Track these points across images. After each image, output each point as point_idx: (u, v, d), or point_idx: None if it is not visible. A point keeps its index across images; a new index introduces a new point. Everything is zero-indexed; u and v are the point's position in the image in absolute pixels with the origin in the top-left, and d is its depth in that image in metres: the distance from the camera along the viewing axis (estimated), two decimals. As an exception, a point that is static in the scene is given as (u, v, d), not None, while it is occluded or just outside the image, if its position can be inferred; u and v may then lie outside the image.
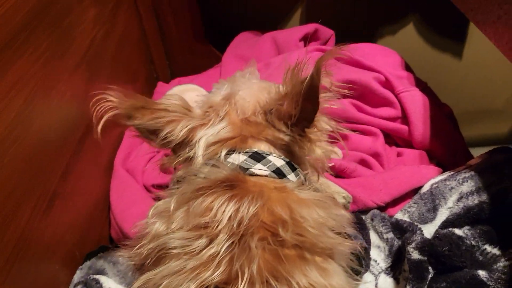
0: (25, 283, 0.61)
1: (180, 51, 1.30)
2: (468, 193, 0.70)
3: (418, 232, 0.67)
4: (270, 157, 0.52)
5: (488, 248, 0.63)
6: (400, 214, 0.74)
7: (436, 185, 0.74)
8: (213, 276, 0.41)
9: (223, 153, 0.52)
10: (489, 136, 1.66)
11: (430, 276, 0.63)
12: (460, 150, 0.91)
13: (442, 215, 0.71)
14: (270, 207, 0.46)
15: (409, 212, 0.74)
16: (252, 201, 0.45)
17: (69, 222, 0.73)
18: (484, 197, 0.68)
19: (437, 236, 0.64)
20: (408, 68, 1.06)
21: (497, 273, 0.58)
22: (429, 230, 0.70)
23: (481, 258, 0.62)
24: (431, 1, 1.30)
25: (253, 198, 0.45)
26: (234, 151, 0.52)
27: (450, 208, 0.71)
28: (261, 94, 0.56)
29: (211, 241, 0.43)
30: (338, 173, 0.82)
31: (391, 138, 0.93)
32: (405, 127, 0.89)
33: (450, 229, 0.65)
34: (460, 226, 0.67)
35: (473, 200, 0.68)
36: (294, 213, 0.46)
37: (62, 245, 0.70)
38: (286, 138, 0.53)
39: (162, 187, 0.86)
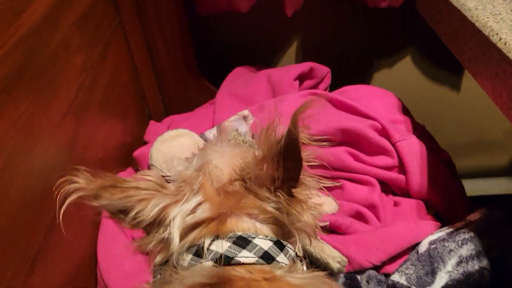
0: None
1: (173, 85, 1.27)
2: (468, 257, 0.67)
3: (416, 299, 0.65)
4: (256, 240, 0.48)
5: (489, 319, 0.60)
6: (397, 276, 0.71)
7: (435, 246, 0.71)
8: None
9: (207, 242, 0.48)
10: (488, 168, 1.64)
11: None
12: (458, 200, 0.89)
13: (441, 279, 0.68)
14: None
15: (407, 274, 0.71)
16: None
17: (54, 282, 0.70)
18: (484, 262, 0.65)
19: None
20: (405, 110, 1.04)
21: None
22: (427, 295, 0.68)
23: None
24: (428, 33, 1.28)
25: None
26: (217, 237, 0.49)
27: (449, 272, 0.68)
28: (236, 161, 0.52)
29: None
30: (333, 229, 0.79)
31: (387, 186, 0.90)
32: (402, 177, 0.87)
33: (450, 298, 0.62)
34: (460, 293, 0.64)
35: (473, 266, 0.66)
36: None
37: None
38: (271, 207, 0.49)
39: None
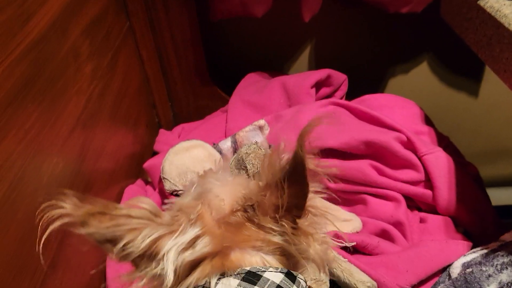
0: None
1: (183, 92, 1.23)
2: (509, 284, 0.62)
3: (454, 330, 0.60)
4: (266, 274, 0.43)
5: None
6: (430, 302, 0.67)
7: (471, 270, 0.66)
8: None
9: (213, 282, 0.43)
10: (506, 177, 1.59)
11: None
12: (488, 216, 0.84)
13: (479, 306, 0.63)
14: None
15: (441, 301, 0.66)
16: None
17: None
18: (527, 289, 0.60)
19: None
20: (428, 121, 0.99)
21: None
22: (463, 323, 0.63)
23: None
24: (445, 39, 1.24)
25: None
26: (223, 274, 0.44)
27: (488, 299, 0.63)
28: (237, 191, 0.47)
29: None
30: (359, 249, 0.74)
31: (412, 201, 0.85)
32: (429, 192, 0.82)
33: (491, 330, 0.58)
34: (501, 323, 0.59)
35: (515, 293, 0.61)
36: None
37: None
38: (277, 239, 0.44)
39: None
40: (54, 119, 0.66)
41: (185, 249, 0.45)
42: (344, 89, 1.12)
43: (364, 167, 0.82)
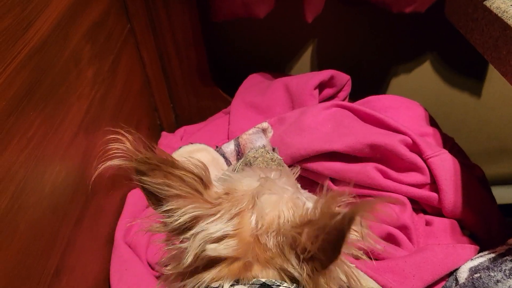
0: None
1: (185, 94, 1.22)
2: (517, 290, 0.61)
3: (462, 337, 0.59)
4: None
5: None
6: (438, 308, 0.66)
7: (478, 275, 0.66)
8: None
9: (226, 286, 0.43)
10: (510, 175, 1.59)
11: None
12: (494, 219, 0.83)
13: (487, 312, 0.63)
14: None
15: (448, 306, 0.65)
16: None
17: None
18: (536, 295, 0.60)
19: None
20: (433, 122, 0.98)
21: None
22: (472, 330, 0.62)
23: None
24: (448, 39, 1.24)
25: None
26: (238, 281, 0.44)
27: (497, 305, 0.62)
28: (286, 209, 0.47)
29: None
30: (365, 254, 0.73)
31: (417, 204, 0.84)
32: (434, 195, 0.81)
33: (501, 337, 0.57)
34: (510, 330, 0.59)
35: (524, 299, 0.60)
36: None
37: None
38: (295, 274, 0.44)
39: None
40: (56, 126, 0.65)
41: (211, 240, 0.45)
42: (347, 89, 1.11)
43: (369, 170, 0.81)
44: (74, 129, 0.71)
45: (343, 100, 1.10)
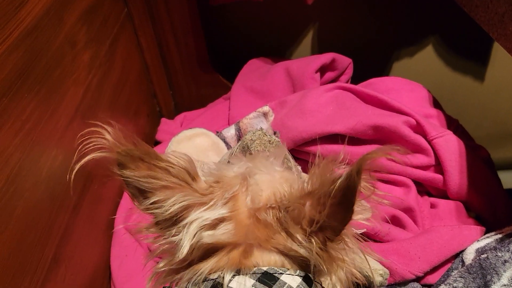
0: None
1: (184, 81, 1.21)
2: (525, 270, 0.60)
3: (469, 317, 0.58)
4: (283, 277, 0.41)
5: None
6: (444, 290, 0.65)
7: (486, 256, 0.64)
8: None
9: (227, 278, 0.41)
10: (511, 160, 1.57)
11: None
12: (499, 200, 0.82)
13: (495, 293, 0.61)
14: None
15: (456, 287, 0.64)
16: None
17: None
18: (545, 274, 0.58)
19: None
20: (436, 103, 0.96)
21: None
22: (479, 311, 0.61)
23: None
24: (451, 21, 1.21)
25: None
26: (239, 271, 0.41)
27: (505, 286, 0.61)
28: (280, 186, 0.44)
29: None
30: (369, 237, 0.72)
31: (422, 186, 0.83)
32: (439, 177, 0.79)
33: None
34: (519, 310, 0.57)
35: (533, 278, 0.59)
36: None
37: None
38: (301, 251, 0.41)
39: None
40: (52, 110, 0.64)
41: (207, 227, 0.43)
42: (349, 73, 1.09)
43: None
44: (71, 114, 0.69)
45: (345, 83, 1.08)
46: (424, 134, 0.80)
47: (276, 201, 0.43)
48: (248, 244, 0.42)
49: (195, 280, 0.42)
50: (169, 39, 1.11)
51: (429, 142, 0.80)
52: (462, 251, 0.71)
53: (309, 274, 0.42)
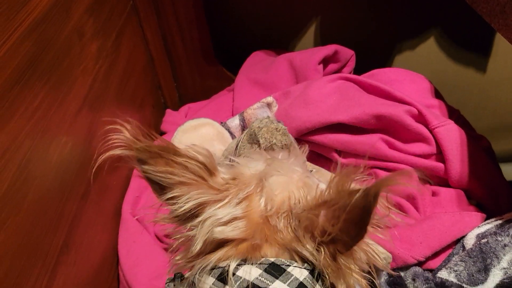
0: None
1: (189, 73, 1.22)
2: (525, 253, 0.61)
3: (470, 299, 0.59)
4: (290, 269, 0.41)
5: (553, 321, 0.55)
6: (446, 273, 0.66)
7: (486, 240, 0.66)
8: None
9: (233, 265, 0.42)
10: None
11: None
12: (500, 188, 0.83)
13: (495, 276, 0.63)
14: None
15: (456, 271, 0.65)
16: None
17: (77, 283, 0.66)
18: (544, 258, 0.60)
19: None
20: (438, 94, 0.97)
21: None
22: (480, 294, 0.62)
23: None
24: (453, 14, 1.22)
25: None
26: (245, 261, 0.42)
27: (505, 269, 0.62)
28: (296, 190, 0.45)
29: None
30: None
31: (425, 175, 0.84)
32: (440, 165, 0.81)
33: (509, 298, 0.57)
34: (517, 292, 0.59)
35: (532, 262, 0.60)
36: None
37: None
38: (309, 258, 0.42)
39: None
40: (61, 99, 0.65)
41: (220, 224, 0.44)
42: (351, 65, 1.10)
43: (375, 141, 0.81)
44: (79, 103, 0.71)
45: (348, 75, 1.09)
46: (425, 123, 0.82)
47: (289, 206, 0.43)
48: (258, 239, 0.43)
49: (205, 268, 0.43)
50: (173, 31, 1.12)
51: (431, 131, 0.81)
52: (463, 237, 0.72)
53: (317, 269, 0.43)
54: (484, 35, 1.28)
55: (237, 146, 0.76)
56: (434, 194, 0.83)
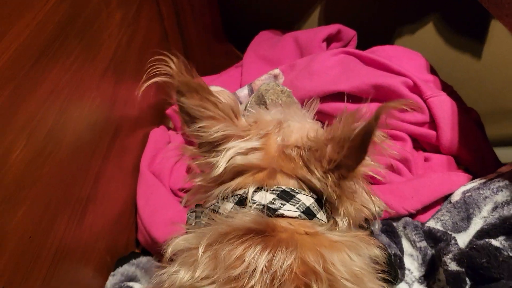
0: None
1: (199, 50, 1.29)
2: (503, 203, 0.69)
3: (453, 242, 0.67)
4: (299, 196, 0.49)
5: (525, 259, 0.62)
6: (433, 223, 0.74)
7: (469, 193, 0.73)
8: None
9: (251, 190, 0.48)
10: (507, 136, 1.64)
11: (467, 287, 0.62)
12: (488, 156, 0.90)
13: (477, 224, 0.70)
14: (302, 256, 0.43)
15: (442, 220, 0.73)
16: (285, 252, 0.42)
17: (101, 228, 0.73)
18: (520, 207, 0.67)
19: (474, 247, 0.64)
20: (433, 71, 1.05)
21: (535, 285, 0.58)
22: (462, 239, 0.70)
23: (518, 269, 0.62)
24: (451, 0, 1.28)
25: (286, 250, 0.43)
26: (261, 188, 0.49)
27: (485, 217, 0.70)
28: (307, 131, 0.52)
29: None
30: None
31: (418, 143, 0.92)
32: (433, 132, 0.88)
33: (487, 239, 0.65)
34: (495, 236, 0.66)
35: (509, 210, 0.68)
36: (326, 261, 0.43)
37: (95, 251, 0.70)
38: (318, 184, 0.49)
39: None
40: (92, 57, 0.72)
41: (241, 153, 0.51)
42: (353, 44, 1.17)
43: (373, 109, 0.88)
44: (105, 64, 0.78)
45: (349, 54, 1.16)
46: (420, 94, 0.89)
47: (302, 142, 0.51)
48: (272, 168, 0.50)
49: (224, 194, 0.51)
50: (186, 9, 1.19)
51: (425, 101, 0.88)
52: (450, 195, 0.79)
53: (320, 199, 0.50)
54: (481, 21, 1.34)
55: (245, 108, 0.84)
56: (426, 159, 0.90)
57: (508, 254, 0.63)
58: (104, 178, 0.76)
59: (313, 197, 0.50)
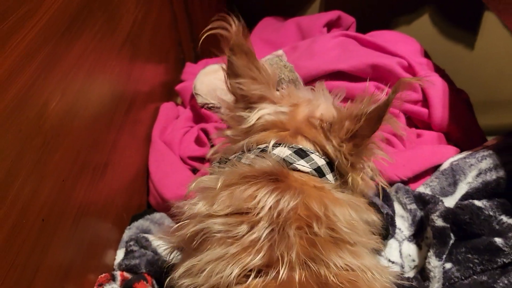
0: (87, 239, 0.67)
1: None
2: (486, 170, 0.76)
3: (440, 203, 0.73)
4: (313, 156, 0.54)
5: (504, 218, 0.69)
6: (422, 188, 0.80)
7: (456, 162, 0.80)
8: (255, 260, 0.44)
9: (271, 143, 0.54)
10: (501, 126, 1.70)
11: (451, 242, 0.69)
12: (476, 134, 0.97)
13: (462, 189, 0.77)
14: (307, 203, 0.48)
15: (431, 186, 0.79)
16: (292, 196, 0.48)
17: (118, 188, 0.79)
18: (501, 173, 0.74)
19: (459, 206, 0.71)
20: (427, 55, 1.11)
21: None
22: (449, 203, 0.76)
23: (497, 227, 0.68)
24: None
25: (294, 194, 0.48)
26: (280, 144, 0.55)
27: (470, 183, 0.77)
28: (332, 110, 0.58)
29: (252, 227, 0.46)
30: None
31: (411, 121, 0.98)
32: (425, 110, 0.94)
33: (470, 200, 0.71)
34: (478, 199, 0.73)
35: (491, 176, 0.74)
36: (328, 210, 0.48)
37: (113, 208, 0.76)
38: (332, 151, 0.55)
39: (197, 159, 0.92)
40: (112, 29, 0.79)
41: (271, 113, 0.58)
42: (352, 31, 1.24)
43: (371, 87, 0.94)
44: (124, 37, 0.84)
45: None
46: (414, 74, 0.96)
47: (326, 117, 0.57)
48: (295, 130, 0.57)
49: (248, 146, 0.57)
50: (194, -6, 1.25)
51: (418, 80, 0.95)
52: (439, 165, 0.86)
53: (332, 164, 0.56)
54: (474, 13, 1.40)
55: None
56: (418, 136, 0.97)
57: (489, 213, 0.69)
58: (120, 145, 0.82)
59: (325, 160, 0.56)
